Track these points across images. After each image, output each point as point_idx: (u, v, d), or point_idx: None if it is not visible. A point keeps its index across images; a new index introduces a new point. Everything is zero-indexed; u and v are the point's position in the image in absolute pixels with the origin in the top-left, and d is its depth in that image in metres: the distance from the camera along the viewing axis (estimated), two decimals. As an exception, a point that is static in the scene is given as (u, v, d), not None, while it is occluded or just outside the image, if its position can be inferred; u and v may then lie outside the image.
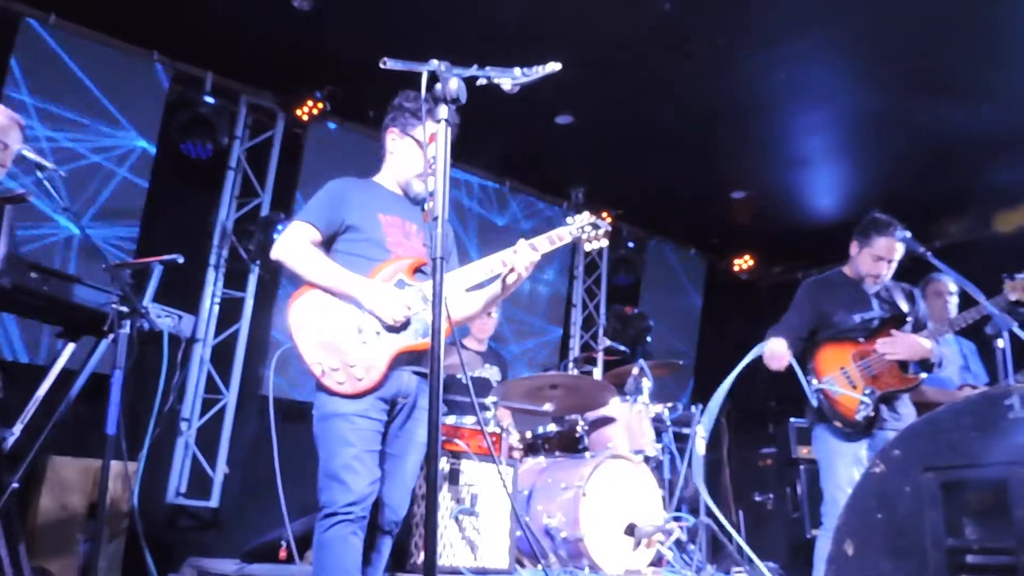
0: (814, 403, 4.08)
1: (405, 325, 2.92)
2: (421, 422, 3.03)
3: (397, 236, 3.07)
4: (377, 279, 2.94)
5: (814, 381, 4.10)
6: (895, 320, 4.18)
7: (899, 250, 4.20)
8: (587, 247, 3.42)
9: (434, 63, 2.27)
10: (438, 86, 2.24)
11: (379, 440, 2.89)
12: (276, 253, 2.98)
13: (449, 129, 2.26)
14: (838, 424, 4.01)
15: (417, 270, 3.04)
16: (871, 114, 6.63)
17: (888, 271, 4.25)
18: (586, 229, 3.36)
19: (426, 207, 2.19)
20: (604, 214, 8.28)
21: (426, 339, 2.90)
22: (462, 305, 3.21)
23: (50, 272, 3.10)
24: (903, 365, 4.08)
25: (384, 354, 2.88)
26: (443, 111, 2.22)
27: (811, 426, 4.22)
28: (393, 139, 3.18)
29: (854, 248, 4.32)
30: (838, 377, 4.07)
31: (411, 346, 2.92)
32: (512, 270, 3.03)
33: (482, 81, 2.37)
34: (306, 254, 2.95)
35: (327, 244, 3.06)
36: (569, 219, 3.39)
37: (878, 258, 4.20)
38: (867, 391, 4.00)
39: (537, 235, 3.14)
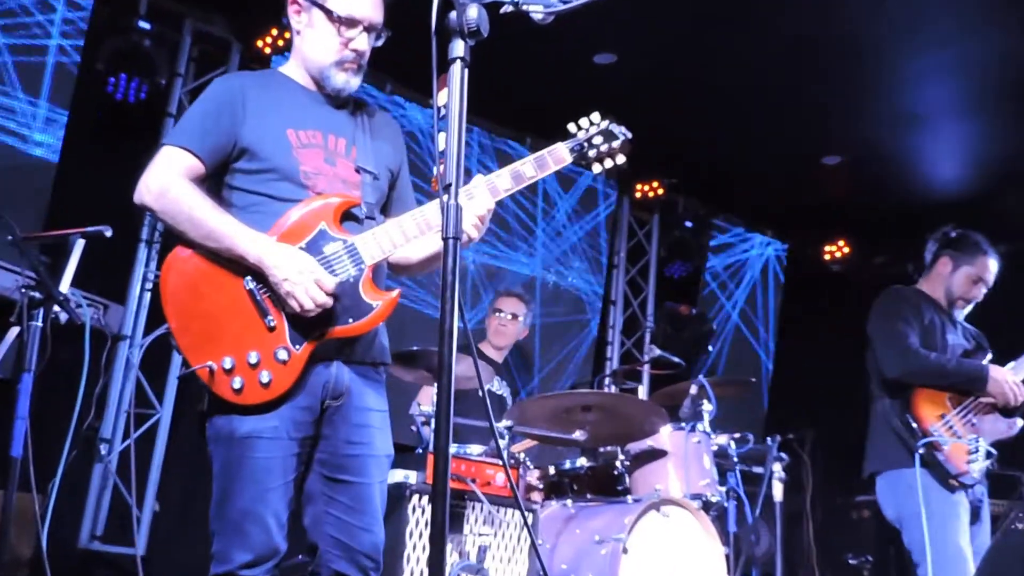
0: (918, 457, 4.24)
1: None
2: (376, 428, 2.82)
3: (316, 162, 2.79)
4: (285, 231, 2.67)
5: (916, 433, 4.28)
6: (979, 351, 4.50)
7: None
8: (596, 169, 3.10)
9: (448, -17, 2.27)
10: (453, 14, 2.22)
11: (295, 466, 2.68)
12: (140, 195, 2.68)
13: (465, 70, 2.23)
14: (952, 482, 4.22)
15: (346, 215, 2.77)
16: (1004, 58, 6.61)
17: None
18: (595, 141, 3.03)
19: (435, 172, 2.19)
20: (655, 183, 8.28)
21: (360, 322, 2.71)
22: (407, 248, 2.85)
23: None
24: (1003, 410, 4.36)
25: (299, 344, 2.65)
26: (459, 47, 2.21)
27: (883, 470, 4.46)
28: (297, 11, 2.88)
29: (945, 265, 4.58)
30: (941, 428, 4.28)
31: (337, 331, 2.69)
32: None
33: (508, 8, 2.36)
34: (182, 197, 2.63)
35: (216, 176, 2.78)
36: (571, 126, 3.04)
37: (978, 279, 4.53)
38: (973, 440, 4.22)
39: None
